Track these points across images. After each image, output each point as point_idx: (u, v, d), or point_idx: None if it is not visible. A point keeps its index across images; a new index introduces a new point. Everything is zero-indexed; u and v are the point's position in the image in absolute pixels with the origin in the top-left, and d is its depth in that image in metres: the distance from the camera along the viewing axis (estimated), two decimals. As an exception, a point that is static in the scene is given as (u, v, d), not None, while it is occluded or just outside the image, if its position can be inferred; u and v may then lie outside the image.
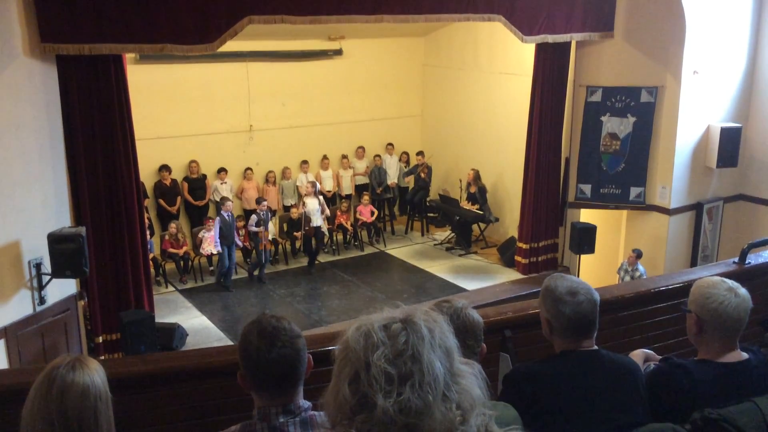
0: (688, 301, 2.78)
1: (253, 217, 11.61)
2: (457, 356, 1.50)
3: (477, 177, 12.84)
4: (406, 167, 14.30)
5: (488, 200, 12.91)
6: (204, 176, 12.49)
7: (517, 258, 11.95)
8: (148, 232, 9.70)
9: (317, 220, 12.01)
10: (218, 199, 12.25)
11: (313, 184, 12.29)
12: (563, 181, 11.69)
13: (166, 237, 11.47)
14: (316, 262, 12.36)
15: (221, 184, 12.52)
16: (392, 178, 14.20)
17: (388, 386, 1.38)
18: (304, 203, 12.15)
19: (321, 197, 12.40)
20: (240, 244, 11.86)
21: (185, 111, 12.30)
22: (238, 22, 8.15)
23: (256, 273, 11.71)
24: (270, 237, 11.92)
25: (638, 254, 10.46)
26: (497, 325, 4.22)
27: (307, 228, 11.99)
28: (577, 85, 11.41)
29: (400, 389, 1.38)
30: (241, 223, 11.92)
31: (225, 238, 11.28)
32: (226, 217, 11.29)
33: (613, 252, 11.84)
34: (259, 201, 11.85)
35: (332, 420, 1.48)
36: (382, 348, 1.41)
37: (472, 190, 12.85)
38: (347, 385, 1.43)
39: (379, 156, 14.17)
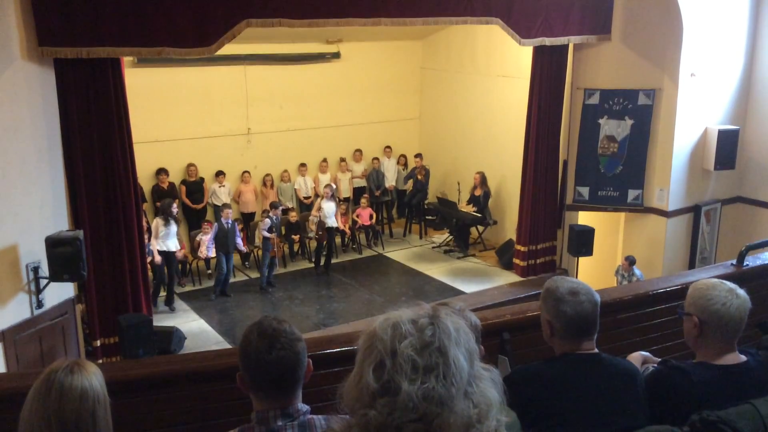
0: (686, 304, 2.78)
1: (267, 221, 11.54)
2: (477, 359, 1.52)
3: (483, 180, 12.86)
4: (404, 170, 14.33)
5: (488, 203, 12.93)
6: (202, 179, 12.48)
7: (516, 260, 11.95)
8: (145, 236, 9.69)
9: (333, 222, 12.11)
10: (216, 203, 12.31)
11: (331, 187, 12.46)
12: (561, 183, 11.71)
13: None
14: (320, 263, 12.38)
15: (219, 187, 12.51)
16: (390, 181, 14.21)
17: (414, 374, 1.40)
18: (320, 207, 12.18)
19: (337, 200, 12.55)
20: (243, 249, 11.74)
21: (183, 114, 12.30)
22: (236, 26, 8.15)
23: (266, 275, 11.61)
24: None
25: (631, 261, 10.41)
26: (495, 328, 4.21)
27: (320, 233, 12.00)
28: (575, 88, 11.43)
29: (424, 378, 1.40)
30: (240, 226, 11.90)
31: (221, 245, 11.18)
32: (225, 225, 11.21)
33: (612, 254, 11.84)
34: (275, 205, 11.80)
35: (350, 408, 1.49)
36: (410, 338, 1.43)
37: (477, 193, 12.86)
38: (371, 371, 1.44)
39: (377, 159, 14.18)
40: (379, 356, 1.44)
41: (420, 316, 1.49)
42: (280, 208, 11.88)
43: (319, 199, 12.58)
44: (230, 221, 11.28)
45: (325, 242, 12.09)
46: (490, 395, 1.49)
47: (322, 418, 2.17)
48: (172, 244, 10.58)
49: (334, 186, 12.89)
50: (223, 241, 11.14)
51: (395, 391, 1.39)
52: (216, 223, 11.34)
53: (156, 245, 10.42)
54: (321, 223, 11.99)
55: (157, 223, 10.53)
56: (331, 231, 12.17)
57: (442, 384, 1.40)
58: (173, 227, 10.62)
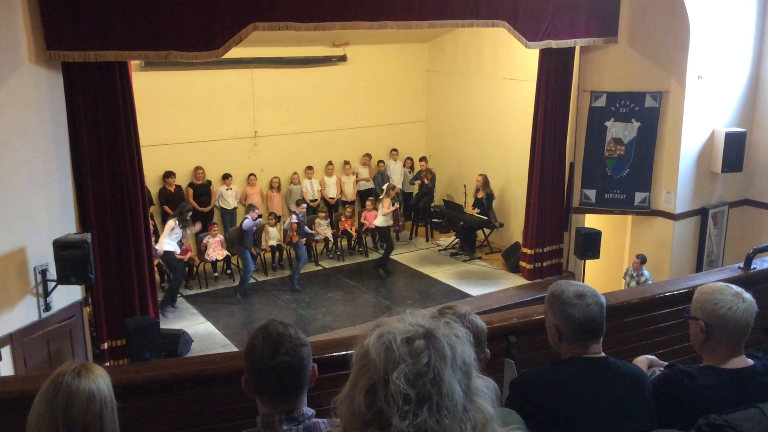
0: (692, 308, 2.76)
1: (293, 217, 11.82)
2: (475, 372, 1.48)
3: (486, 182, 12.85)
4: (410, 173, 14.33)
5: (493, 206, 12.91)
6: (209, 182, 12.52)
7: (522, 263, 11.93)
8: (153, 239, 9.73)
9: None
10: (224, 206, 12.51)
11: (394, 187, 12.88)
12: (568, 186, 11.69)
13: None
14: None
15: (227, 190, 12.56)
16: (396, 184, 14.20)
17: (406, 406, 1.36)
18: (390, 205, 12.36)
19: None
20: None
21: (190, 117, 12.34)
22: (243, 29, 8.18)
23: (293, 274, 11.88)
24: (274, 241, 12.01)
25: (642, 259, 10.45)
26: (502, 331, 4.22)
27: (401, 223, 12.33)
28: (581, 91, 11.41)
29: (417, 411, 1.36)
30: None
31: (249, 242, 11.40)
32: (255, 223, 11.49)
33: (618, 257, 11.81)
34: (298, 203, 12.10)
35: (344, 424, 1.47)
36: (403, 365, 1.39)
37: (480, 195, 12.85)
38: (363, 396, 1.41)
39: (383, 162, 14.19)
40: (371, 381, 1.40)
41: (415, 333, 1.43)
42: (304, 204, 12.05)
43: (387, 199, 12.58)
44: (259, 220, 11.59)
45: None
46: (487, 411, 1.46)
47: (328, 421, 2.17)
48: (173, 246, 10.71)
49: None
50: (253, 238, 11.45)
51: (385, 425, 1.36)
52: (250, 221, 11.53)
53: (164, 245, 10.55)
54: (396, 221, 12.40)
55: (173, 223, 10.67)
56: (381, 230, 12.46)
57: (435, 417, 1.36)
58: (181, 231, 10.77)
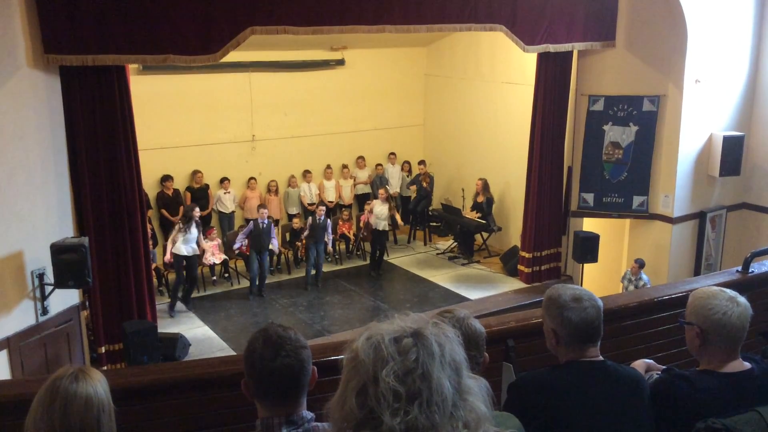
0: (687, 313, 2.76)
1: (308, 221, 11.94)
2: (466, 371, 1.49)
3: (485, 187, 12.85)
4: (408, 176, 14.33)
5: (492, 210, 12.91)
6: (207, 186, 12.51)
7: (520, 267, 11.93)
8: (150, 242, 9.72)
9: (384, 226, 12.37)
10: (222, 210, 12.51)
11: (386, 189, 12.89)
12: (566, 190, 11.69)
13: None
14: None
15: (225, 193, 12.55)
16: (394, 188, 14.22)
17: (396, 403, 1.37)
18: (371, 210, 12.41)
19: (391, 202, 12.89)
20: (276, 249, 11.95)
21: (188, 121, 12.34)
22: (241, 33, 8.18)
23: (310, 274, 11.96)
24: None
25: (641, 264, 10.45)
26: (500, 335, 4.21)
27: (365, 233, 12.39)
28: (579, 94, 11.43)
29: (407, 407, 1.37)
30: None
31: (255, 244, 11.32)
32: (260, 224, 11.32)
33: (617, 261, 11.82)
34: (316, 206, 12.20)
35: (337, 428, 1.47)
36: (392, 363, 1.40)
37: (480, 199, 12.84)
38: (354, 396, 1.42)
39: (381, 165, 14.19)
40: (361, 381, 1.41)
41: (403, 333, 1.44)
42: (323, 207, 12.05)
43: (372, 201, 12.67)
44: (266, 221, 11.43)
45: (369, 242, 12.48)
46: (479, 410, 1.47)
47: (327, 425, 2.17)
48: (185, 249, 10.67)
49: (389, 188, 13.40)
50: (257, 240, 11.29)
51: (377, 423, 1.37)
52: (251, 222, 11.48)
53: (172, 248, 10.67)
54: (368, 225, 12.33)
55: (178, 225, 10.77)
56: (381, 234, 12.39)
57: (426, 414, 1.37)
58: (192, 233, 10.70)
